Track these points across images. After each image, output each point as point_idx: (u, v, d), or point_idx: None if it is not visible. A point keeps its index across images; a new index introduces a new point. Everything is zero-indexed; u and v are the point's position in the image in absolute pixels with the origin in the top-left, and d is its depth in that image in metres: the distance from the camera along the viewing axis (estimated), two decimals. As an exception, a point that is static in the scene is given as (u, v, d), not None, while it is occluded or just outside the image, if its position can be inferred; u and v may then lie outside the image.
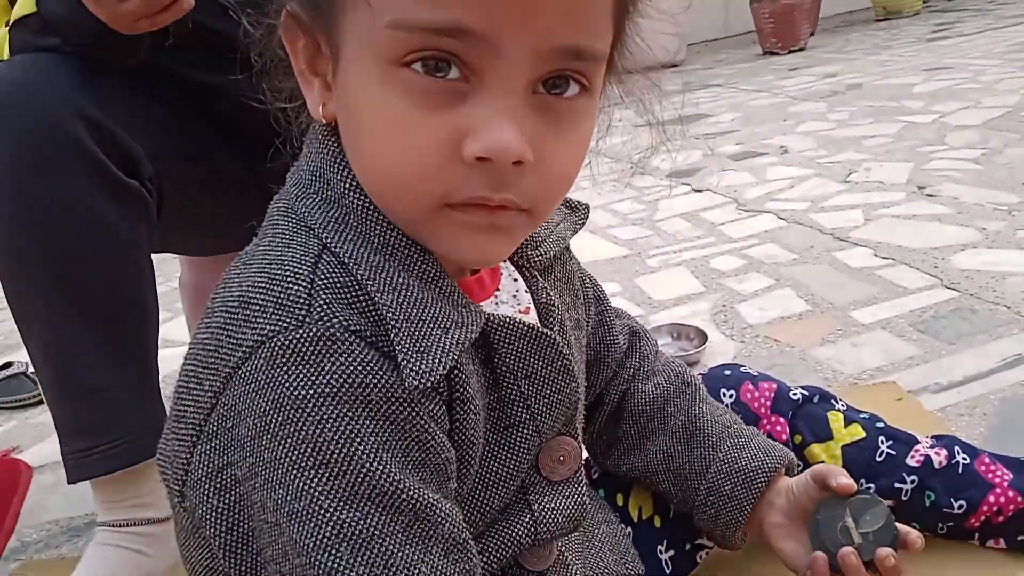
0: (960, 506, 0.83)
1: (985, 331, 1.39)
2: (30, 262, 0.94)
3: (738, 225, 2.13)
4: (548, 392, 0.60)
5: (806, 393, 0.88)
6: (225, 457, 0.50)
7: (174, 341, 1.81)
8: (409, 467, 0.49)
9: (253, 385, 0.48)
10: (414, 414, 0.49)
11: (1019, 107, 2.81)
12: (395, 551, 0.48)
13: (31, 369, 1.83)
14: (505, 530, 0.61)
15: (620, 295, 1.81)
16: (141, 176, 0.97)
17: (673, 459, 0.77)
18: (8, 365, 1.83)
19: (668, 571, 0.80)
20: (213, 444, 0.50)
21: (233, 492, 0.50)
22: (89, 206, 0.93)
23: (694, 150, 2.99)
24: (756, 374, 0.89)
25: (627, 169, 2.91)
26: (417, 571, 0.48)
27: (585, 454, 0.84)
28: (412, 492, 0.49)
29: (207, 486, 0.51)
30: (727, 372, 0.89)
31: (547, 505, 0.63)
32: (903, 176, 2.29)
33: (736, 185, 2.47)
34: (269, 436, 0.47)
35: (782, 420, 0.85)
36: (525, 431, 0.60)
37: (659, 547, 0.80)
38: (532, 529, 0.62)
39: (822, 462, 0.84)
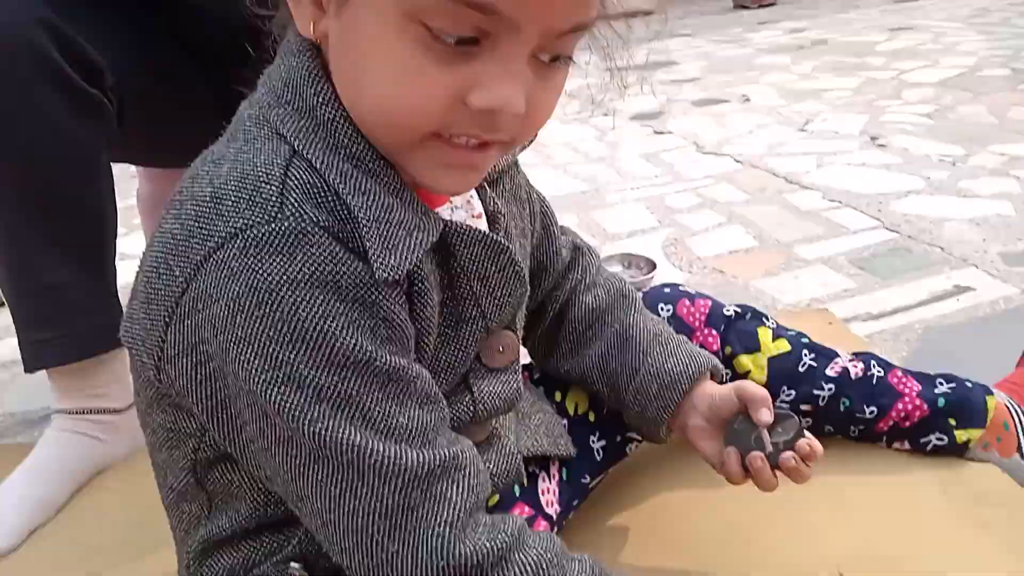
0: (872, 411, 0.89)
1: (918, 269, 1.46)
2: None
3: (696, 166, 2.17)
4: (498, 294, 0.65)
5: (739, 310, 0.93)
6: (198, 335, 0.54)
7: (131, 255, 1.81)
8: (378, 341, 0.53)
9: (226, 272, 0.51)
10: (381, 298, 0.53)
11: (975, 68, 2.88)
12: (373, 406, 0.53)
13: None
14: (448, 408, 0.65)
15: (576, 226, 1.84)
16: (103, 86, 0.98)
17: (607, 363, 0.82)
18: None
19: (599, 459, 0.85)
20: (187, 324, 0.54)
21: (208, 365, 0.54)
22: (50, 113, 0.94)
23: (659, 95, 3.02)
24: (694, 293, 0.93)
25: (589, 109, 2.94)
26: (396, 421, 0.53)
27: (526, 355, 0.89)
28: (384, 359, 0.53)
29: (184, 361, 0.55)
30: (667, 290, 0.94)
31: (485, 389, 0.68)
32: (857, 127, 2.35)
33: (697, 130, 2.51)
34: (243, 316, 0.51)
35: (715, 332, 0.90)
36: (474, 326, 0.65)
37: (592, 437, 0.85)
38: (471, 408, 0.67)
39: (749, 372, 0.89)
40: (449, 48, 0.49)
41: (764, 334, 0.91)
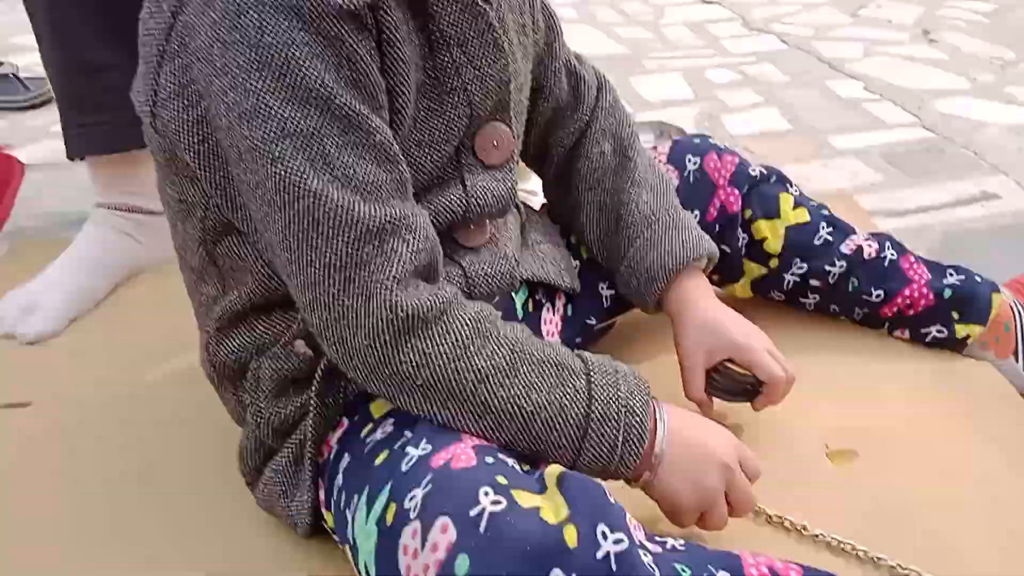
0: (878, 295, 0.92)
1: (948, 171, 1.46)
2: None
3: (740, 41, 2.13)
4: (479, 64, 0.66)
5: (764, 172, 0.93)
6: (187, 75, 0.57)
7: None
8: (342, 82, 0.56)
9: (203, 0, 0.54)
10: (343, 32, 0.55)
11: (1046, -29, 2.76)
12: (333, 152, 0.56)
13: (22, 73, 1.84)
14: (439, 198, 0.68)
15: (612, 90, 1.84)
16: None
17: (605, 236, 0.84)
18: (-2, 64, 1.83)
19: (606, 305, 0.89)
20: (175, 63, 0.57)
21: (198, 107, 0.58)
22: None
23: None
24: (723, 147, 0.94)
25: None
26: (353, 172, 0.56)
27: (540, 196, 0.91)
28: (344, 101, 0.55)
29: (175, 103, 0.58)
30: (696, 140, 0.94)
31: (479, 184, 0.70)
32: (911, 18, 2.28)
33: (746, 3, 2.44)
34: (219, 44, 0.54)
35: (736, 192, 0.91)
36: (456, 98, 0.66)
37: (601, 284, 0.88)
38: (463, 202, 0.69)
39: (766, 238, 0.92)
40: None
41: (785, 200, 0.92)
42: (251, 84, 0.54)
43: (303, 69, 0.54)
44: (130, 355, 0.98)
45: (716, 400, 0.81)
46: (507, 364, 0.60)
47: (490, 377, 0.59)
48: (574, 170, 0.84)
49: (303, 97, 0.54)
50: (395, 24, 0.59)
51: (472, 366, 0.59)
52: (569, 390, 0.60)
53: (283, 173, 0.55)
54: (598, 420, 0.60)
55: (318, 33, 0.54)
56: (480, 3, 0.64)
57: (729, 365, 0.79)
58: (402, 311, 0.57)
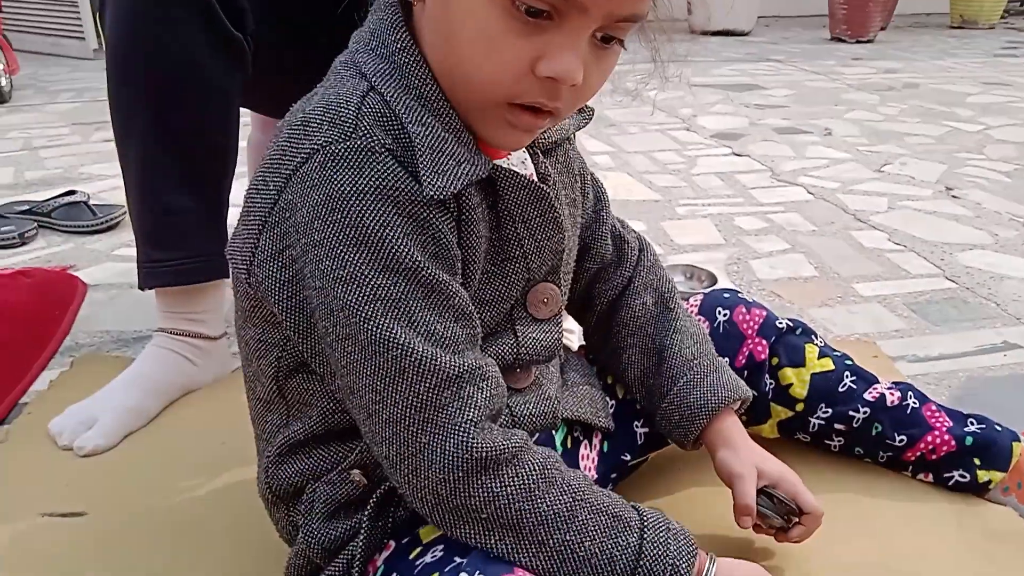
0: (901, 440, 0.96)
1: (971, 320, 1.50)
2: (138, 97, 1.07)
3: (768, 192, 2.23)
4: (538, 236, 0.74)
5: (791, 324, 0.99)
6: (285, 241, 0.65)
7: (234, 203, 1.94)
8: (427, 255, 0.64)
9: (308, 183, 0.62)
10: (431, 216, 0.64)
11: (1064, 132, 2.87)
12: (417, 312, 0.63)
13: (92, 200, 1.97)
14: (493, 347, 0.75)
15: (645, 234, 1.91)
16: (245, 29, 1.09)
17: (646, 377, 0.90)
18: (71, 192, 1.97)
19: (641, 442, 0.93)
20: (276, 231, 0.65)
21: (291, 268, 0.65)
22: (195, 51, 1.05)
23: (743, 117, 3.07)
24: (751, 301, 1.00)
25: (674, 123, 3.00)
26: (434, 328, 0.63)
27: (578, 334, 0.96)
28: (430, 271, 0.63)
29: (272, 264, 0.66)
30: (726, 295, 1.01)
31: (529, 335, 0.78)
32: (934, 176, 2.37)
33: (775, 156, 2.56)
34: (320, 221, 0.62)
35: (764, 342, 0.97)
36: (517, 265, 0.74)
37: (636, 422, 0.93)
38: (515, 351, 0.76)
39: (791, 384, 0.96)
40: (526, 20, 0.58)
41: (811, 351, 0.98)
42: (349, 256, 0.61)
43: (396, 246, 0.62)
44: (179, 470, 1.03)
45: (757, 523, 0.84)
46: (567, 510, 0.65)
47: (550, 520, 0.64)
48: (616, 319, 0.91)
49: (394, 268, 0.62)
50: (472, 206, 0.68)
51: (535, 508, 0.64)
52: (621, 542, 0.65)
53: (374, 329, 0.62)
54: (644, 573, 0.64)
55: (409, 217, 0.62)
56: (542, 186, 0.73)
57: (772, 490, 0.83)
58: (477, 451, 0.63)
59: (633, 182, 2.30)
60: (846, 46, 5.00)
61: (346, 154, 0.61)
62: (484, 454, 0.63)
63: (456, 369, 0.63)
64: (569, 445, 0.87)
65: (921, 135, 2.82)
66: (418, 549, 0.68)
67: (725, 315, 0.98)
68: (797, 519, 0.83)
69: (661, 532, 0.66)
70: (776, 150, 2.63)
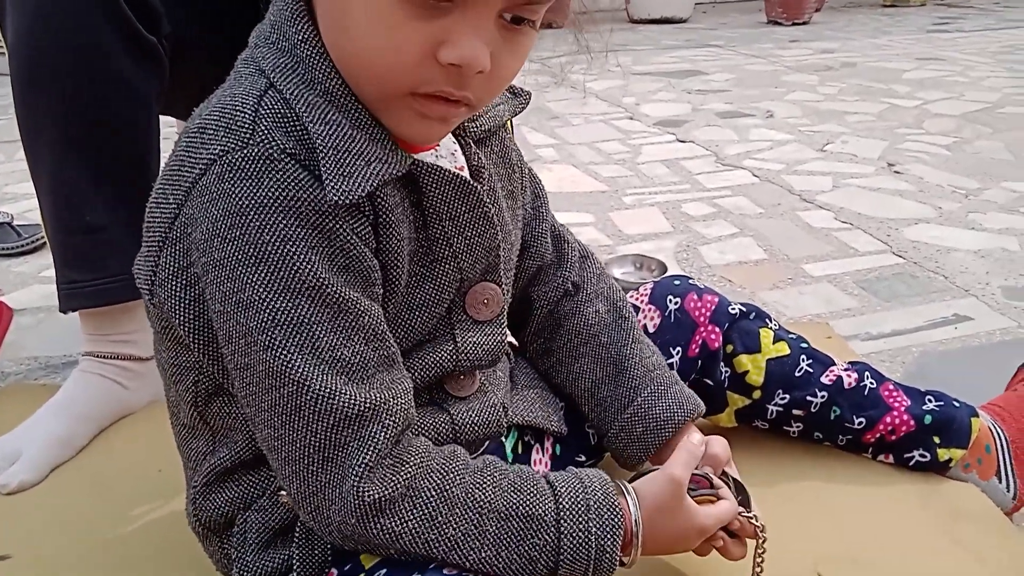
0: (860, 423, 0.94)
1: (920, 295, 1.50)
2: (47, 104, 1.00)
3: (714, 177, 2.22)
4: (468, 234, 0.69)
5: (744, 309, 0.96)
6: (186, 259, 0.60)
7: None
8: (334, 270, 0.58)
9: (207, 196, 0.57)
10: (338, 226, 0.58)
11: (998, 104, 2.92)
12: (322, 336, 0.58)
13: (15, 220, 1.88)
14: (431, 354, 0.70)
15: (592, 225, 1.90)
16: (160, 33, 1.03)
17: (599, 390, 0.86)
18: (-6, 214, 1.88)
19: (593, 443, 0.90)
20: (176, 248, 0.60)
21: (195, 287, 0.60)
22: (108, 55, 0.99)
23: (685, 103, 3.06)
24: (703, 287, 0.97)
25: (617, 112, 2.98)
26: (340, 354, 0.58)
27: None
28: (336, 289, 0.58)
29: (174, 283, 0.61)
30: (676, 282, 0.97)
31: (469, 339, 0.73)
32: (876, 152, 2.39)
33: (719, 140, 2.55)
34: (219, 239, 0.57)
35: (717, 330, 0.94)
36: (447, 266, 0.69)
37: (587, 423, 0.89)
38: (454, 356, 0.72)
39: (747, 371, 0.94)
40: (425, 3, 0.54)
41: (766, 335, 0.95)
42: (247, 277, 0.56)
43: (298, 263, 0.57)
44: (109, 504, 0.97)
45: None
46: (476, 527, 0.62)
47: (460, 542, 0.61)
48: (565, 326, 0.87)
49: (296, 289, 0.57)
50: (391, 207, 0.62)
51: (443, 535, 0.61)
52: (538, 542, 0.62)
53: (271, 360, 0.57)
54: (567, 564, 0.62)
55: (313, 228, 0.57)
56: (469, 180, 0.68)
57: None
58: (368, 498, 0.59)
59: (579, 174, 2.28)
60: (783, 29, 5.04)
61: (243, 163, 0.56)
62: (375, 498, 0.59)
63: (358, 407, 0.58)
64: (520, 451, 0.83)
65: (861, 113, 2.84)
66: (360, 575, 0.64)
67: (676, 303, 0.95)
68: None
69: (579, 516, 0.63)
70: (720, 135, 2.62)
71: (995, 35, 4.56)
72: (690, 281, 0.97)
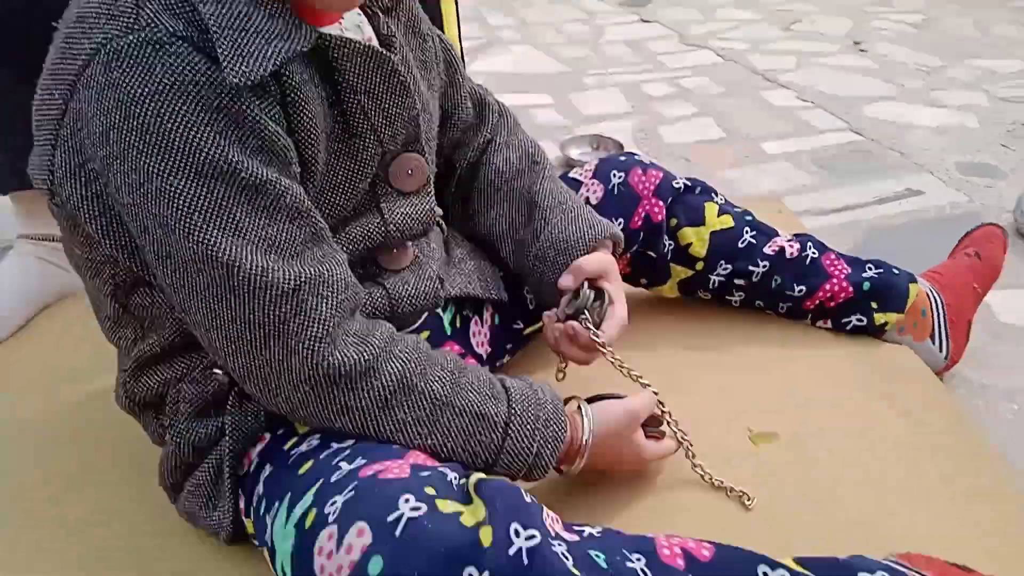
0: (800, 290, 0.94)
1: (875, 172, 1.50)
2: None
3: (677, 57, 2.17)
4: (385, 105, 0.67)
5: (689, 184, 0.96)
6: (81, 156, 0.57)
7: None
8: (247, 152, 0.56)
9: (95, 89, 0.54)
10: (244, 107, 0.56)
11: (970, -19, 2.86)
12: (243, 217, 0.56)
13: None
14: (359, 228, 0.69)
15: (551, 107, 1.86)
16: None
17: (515, 230, 0.84)
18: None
19: (532, 307, 0.89)
20: (69, 145, 0.57)
21: (96, 184, 0.58)
22: None
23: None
24: (648, 163, 0.96)
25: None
26: (265, 233, 0.57)
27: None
28: (251, 170, 0.56)
29: (73, 181, 0.58)
30: (622, 158, 0.96)
31: (396, 211, 0.72)
32: (843, 30, 2.34)
33: (684, 20, 2.49)
34: (115, 131, 0.54)
35: (661, 203, 0.93)
36: (366, 140, 0.67)
37: (525, 287, 0.88)
38: (383, 229, 0.71)
39: (691, 244, 0.93)
40: None
41: (711, 209, 0.94)
42: (152, 166, 0.54)
43: (206, 147, 0.54)
44: (46, 378, 0.97)
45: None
46: (428, 416, 0.62)
47: (409, 427, 0.62)
48: (479, 176, 0.85)
49: (208, 173, 0.55)
50: (299, 84, 0.60)
51: (393, 417, 0.61)
52: (484, 439, 0.64)
53: (194, 246, 0.55)
54: (505, 463, 0.65)
55: (217, 110, 0.54)
56: (381, 51, 0.64)
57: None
58: (325, 368, 0.58)
59: (539, 55, 2.22)
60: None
61: (129, 50, 0.53)
62: (334, 370, 0.59)
63: (293, 281, 0.57)
64: (459, 324, 0.83)
65: (831, -9, 2.78)
66: (293, 439, 0.64)
67: (620, 177, 0.93)
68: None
69: (527, 425, 0.65)
70: (685, 14, 2.56)
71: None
72: (636, 157, 0.96)
